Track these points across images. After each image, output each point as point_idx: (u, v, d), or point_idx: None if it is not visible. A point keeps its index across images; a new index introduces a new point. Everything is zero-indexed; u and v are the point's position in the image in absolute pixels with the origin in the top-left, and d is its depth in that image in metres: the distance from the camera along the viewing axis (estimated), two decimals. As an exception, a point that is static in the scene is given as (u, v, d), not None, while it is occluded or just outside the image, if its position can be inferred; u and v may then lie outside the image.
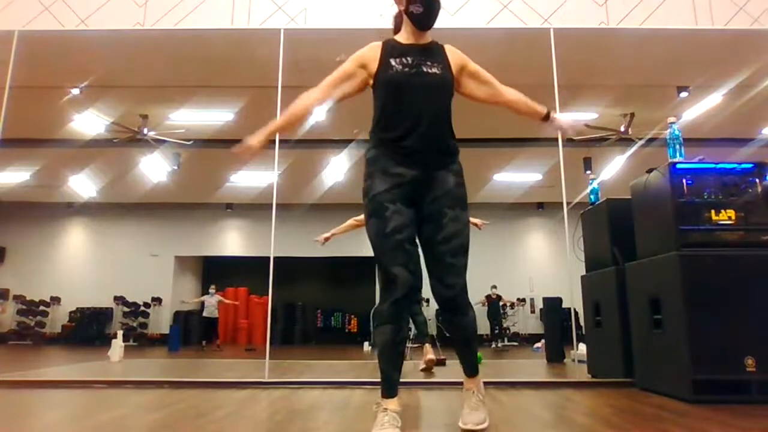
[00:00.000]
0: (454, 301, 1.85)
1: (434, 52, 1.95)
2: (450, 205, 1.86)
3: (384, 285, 1.82)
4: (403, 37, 1.97)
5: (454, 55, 1.98)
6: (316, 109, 1.99)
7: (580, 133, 2.00)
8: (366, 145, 2.00)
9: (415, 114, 1.84)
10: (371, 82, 1.93)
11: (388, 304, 1.79)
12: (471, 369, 1.99)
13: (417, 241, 1.89)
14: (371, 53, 1.93)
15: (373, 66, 1.91)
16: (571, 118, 2.03)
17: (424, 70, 1.88)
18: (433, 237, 1.85)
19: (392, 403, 1.80)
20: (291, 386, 3.21)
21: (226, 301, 10.48)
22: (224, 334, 11.50)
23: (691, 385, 2.44)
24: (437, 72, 1.89)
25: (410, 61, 1.88)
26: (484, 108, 2.16)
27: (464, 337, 1.95)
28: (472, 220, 3.74)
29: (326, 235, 4.44)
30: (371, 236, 1.86)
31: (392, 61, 1.89)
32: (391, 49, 1.93)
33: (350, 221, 4.22)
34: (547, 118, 2.05)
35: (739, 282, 2.54)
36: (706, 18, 4.06)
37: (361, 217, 3.79)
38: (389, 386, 1.82)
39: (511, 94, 2.05)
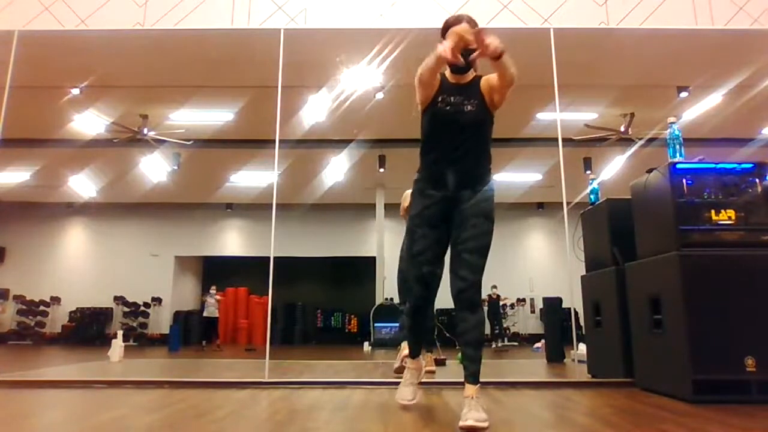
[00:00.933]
0: (465, 293, 2.08)
1: (473, 90, 2.19)
2: (475, 214, 2.13)
3: (405, 290, 2.65)
4: (450, 75, 2.23)
5: (484, 85, 2.19)
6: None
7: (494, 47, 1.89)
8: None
9: (451, 146, 2.16)
10: (423, 107, 2.21)
11: (410, 305, 2.34)
12: (474, 377, 2.07)
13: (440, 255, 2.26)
14: (437, 78, 2.20)
15: (433, 91, 2.18)
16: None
17: (463, 109, 2.15)
18: (456, 238, 2.15)
19: (414, 363, 2.47)
20: (291, 386, 3.21)
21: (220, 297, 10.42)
22: (224, 334, 11.51)
23: (691, 385, 2.44)
24: (472, 110, 2.15)
25: (452, 101, 2.16)
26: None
27: (472, 337, 2.09)
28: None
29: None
30: (404, 248, 2.60)
31: (439, 98, 2.17)
32: (442, 84, 2.20)
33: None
34: (499, 57, 2.00)
35: (739, 282, 2.54)
36: (706, 18, 4.06)
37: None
38: (412, 351, 2.48)
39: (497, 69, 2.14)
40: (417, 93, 2.19)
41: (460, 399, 2.01)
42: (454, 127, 2.13)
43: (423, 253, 2.18)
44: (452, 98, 2.15)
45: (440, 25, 2.18)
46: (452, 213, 2.18)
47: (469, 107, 2.14)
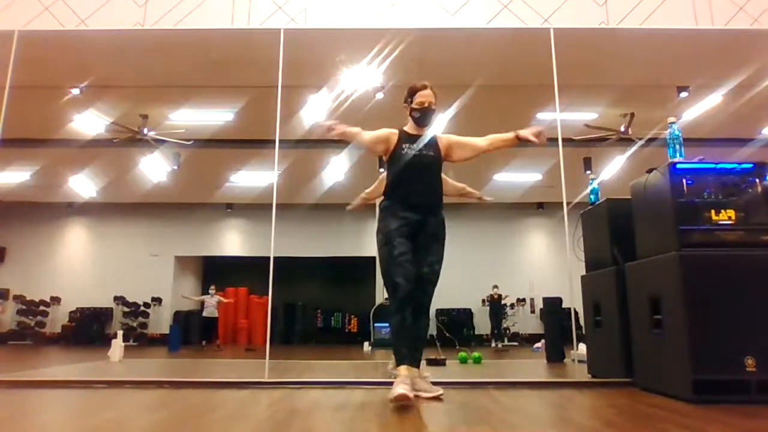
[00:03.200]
0: (426, 304, 2.77)
1: (430, 141, 2.86)
2: (435, 241, 2.79)
3: (392, 290, 2.66)
4: (410, 129, 2.89)
5: (441, 141, 2.90)
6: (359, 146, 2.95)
7: (542, 140, 2.79)
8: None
9: (416, 181, 2.78)
10: (387, 156, 2.85)
11: (396, 302, 2.63)
12: (417, 362, 2.74)
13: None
14: (393, 136, 2.84)
15: (392, 145, 2.83)
16: (533, 128, 2.83)
17: (423, 152, 2.81)
18: (422, 261, 2.75)
19: (404, 369, 2.57)
20: (291, 386, 3.21)
21: (225, 300, 10.47)
22: (224, 334, 11.51)
23: (691, 385, 2.44)
24: (432, 154, 2.84)
25: (415, 147, 2.81)
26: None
27: (424, 335, 2.78)
28: (477, 193, 3.81)
29: (360, 199, 3.97)
30: (383, 258, 2.72)
31: (404, 146, 2.81)
32: (403, 137, 2.84)
33: (360, 198, 3.84)
34: (517, 138, 2.84)
35: (739, 282, 2.54)
36: (706, 18, 4.06)
37: (368, 190, 3.78)
38: (400, 357, 2.60)
39: (485, 141, 2.90)
40: (376, 147, 2.86)
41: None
42: (419, 168, 2.77)
43: (405, 253, 2.66)
44: (413, 146, 2.80)
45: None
46: (418, 235, 2.75)
47: (429, 153, 2.82)
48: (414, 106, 2.81)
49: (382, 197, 2.86)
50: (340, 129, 2.65)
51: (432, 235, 2.77)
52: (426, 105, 2.80)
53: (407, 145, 2.80)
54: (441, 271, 2.80)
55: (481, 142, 2.90)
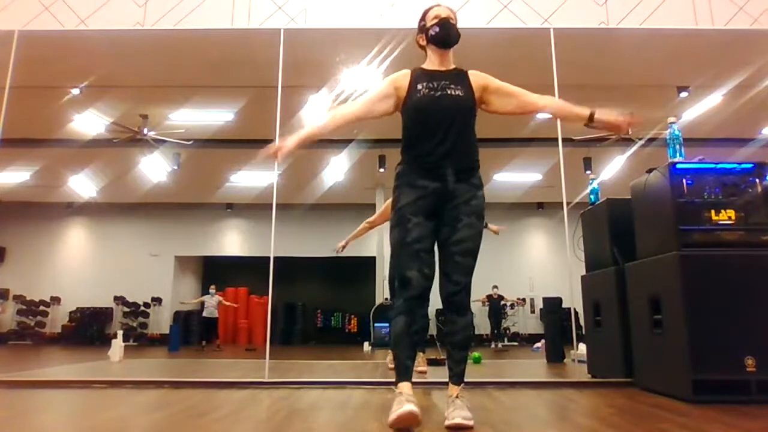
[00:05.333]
0: (456, 297, 2.04)
1: (458, 76, 2.13)
2: (467, 212, 2.04)
3: (400, 285, 2.02)
4: (429, 65, 2.17)
5: (476, 78, 2.15)
6: (353, 123, 2.20)
7: (634, 127, 2.16)
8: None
9: (439, 133, 2.03)
10: (400, 105, 2.13)
11: (402, 300, 2.01)
12: (459, 377, 2.07)
13: (435, 248, 2.08)
14: (402, 78, 2.13)
15: (403, 91, 2.11)
16: (612, 114, 2.10)
17: (449, 92, 2.06)
18: (447, 239, 2.04)
19: (406, 387, 1.96)
20: (291, 386, 3.21)
21: (226, 303, 10.47)
22: (224, 334, 11.50)
23: (691, 385, 2.44)
24: (460, 94, 2.07)
25: (435, 85, 2.07)
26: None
27: (459, 339, 2.08)
28: (492, 226, 3.81)
29: (342, 243, 4.48)
30: (393, 243, 2.07)
31: (419, 86, 2.08)
32: (418, 75, 2.13)
33: (363, 225, 4.27)
34: (591, 119, 2.11)
35: (739, 282, 2.54)
36: (706, 18, 4.06)
37: (373, 218, 3.98)
38: (403, 370, 1.99)
39: (545, 100, 2.17)
40: (377, 109, 2.15)
41: (445, 398, 2.02)
42: (442, 113, 2.03)
43: (420, 240, 2.00)
44: (434, 83, 2.07)
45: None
46: (443, 208, 2.05)
47: (456, 92, 2.07)
48: (430, 22, 2.13)
49: (399, 161, 2.17)
50: (290, 144, 2.05)
51: (463, 204, 2.03)
52: (445, 17, 2.12)
53: (425, 83, 2.08)
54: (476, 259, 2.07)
55: (536, 98, 2.14)
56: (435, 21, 2.12)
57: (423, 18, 2.19)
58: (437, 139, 2.02)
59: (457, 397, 1.99)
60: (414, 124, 2.08)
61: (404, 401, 1.87)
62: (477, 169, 2.11)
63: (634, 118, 2.12)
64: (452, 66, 2.17)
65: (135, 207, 12.00)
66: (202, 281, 13.75)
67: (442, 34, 2.11)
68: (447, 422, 1.92)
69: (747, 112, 6.04)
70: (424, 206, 2.03)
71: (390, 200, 2.22)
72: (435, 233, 2.06)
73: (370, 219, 4.08)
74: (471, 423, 1.89)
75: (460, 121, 2.05)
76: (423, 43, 2.19)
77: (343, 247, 4.48)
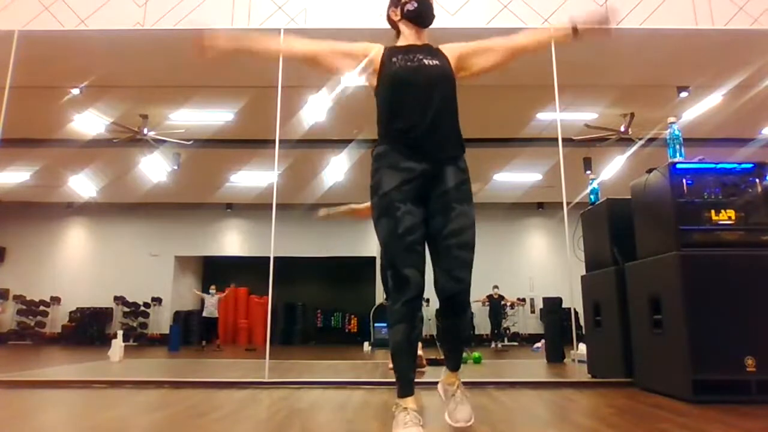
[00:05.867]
0: (458, 297, 1.84)
1: (431, 50, 2.00)
2: (458, 199, 1.85)
3: (395, 286, 1.80)
4: (402, 41, 2.04)
5: (448, 49, 2.02)
6: (298, 61, 2.00)
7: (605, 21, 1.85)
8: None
9: (420, 105, 1.85)
10: (374, 81, 1.97)
11: (401, 304, 1.78)
12: (456, 363, 2.01)
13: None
14: (377, 51, 1.98)
15: (377, 62, 1.95)
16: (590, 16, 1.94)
17: (425, 62, 1.92)
18: (441, 230, 1.83)
19: (411, 402, 1.78)
20: (291, 386, 3.21)
21: (223, 293, 10.43)
22: (224, 334, 11.50)
23: (691, 385, 2.44)
24: (437, 63, 1.93)
25: (411, 57, 1.93)
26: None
27: (462, 336, 1.98)
28: None
29: (327, 211, 3.98)
30: (382, 236, 1.84)
31: (393, 59, 1.93)
32: (391, 50, 1.99)
33: (348, 206, 3.83)
34: (576, 31, 1.96)
35: (739, 282, 2.54)
36: (706, 18, 4.06)
37: (361, 206, 3.61)
38: (406, 384, 1.81)
39: (522, 37, 2.01)
40: (336, 63, 1.99)
41: (442, 393, 2.01)
42: (421, 80, 1.87)
43: (413, 231, 1.78)
44: (410, 56, 1.93)
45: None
46: (430, 194, 1.85)
47: (433, 61, 1.93)
48: None
49: (376, 143, 1.98)
50: (222, 44, 1.94)
51: (453, 190, 1.85)
52: None
53: (401, 56, 1.94)
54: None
55: (512, 39, 2.00)
56: None
57: None
58: (419, 110, 1.84)
59: (457, 388, 1.93)
60: (393, 95, 1.90)
61: (410, 422, 1.70)
62: (462, 147, 1.94)
63: (604, 14, 1.94)
64: (425, 42, 2.04)
65: (135, 207, 12.00)
66: (202, 281, 13.75)
67: (420, 9, 1.98)
68: (449, 420, 1.89)
69: (747, 112, 6.04)
70: (411, 191, 1.82)
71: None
72: (424, 223, 1.85)
73: (357, 206, 3.50)
74: (472, 421, 1.86)
75: (440, 89, 1.88)
76: (396, 18, 2.04)
77: (326, 216, 3.95)
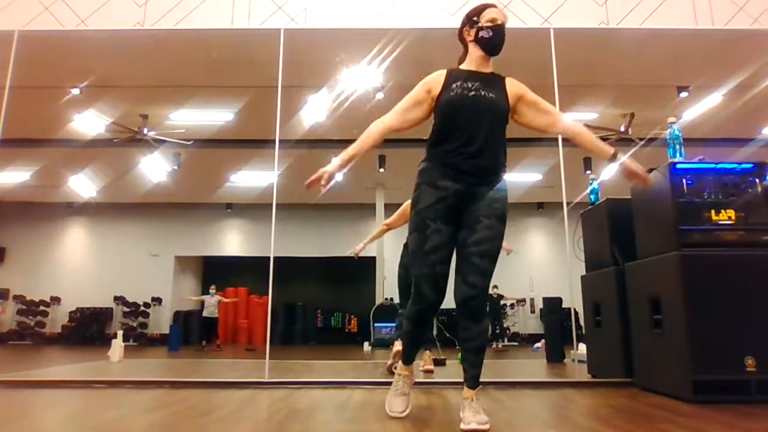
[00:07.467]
0: (473, 301, 1.96)
1: (494, 81, 2.10)
2: (487, 215, 1.99)
3: (413, 295, 2.07)
4: (467, 65, 2.14)
5: (512, 86, 2.12)
6: (388, 134, 2.15)
7: (644, 184, 2.24)
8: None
9: (468, 133, 1.99)
10: (433, 104, 2.09)
11: (414, 310, 2.09)
12: (474, 380, 2.04)
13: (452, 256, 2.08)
14: (437, 79, 2.10)
15: (437, 90, 2.07)
16: (637, 166, 2.14)
17: (482, 93, 2.03)
18: (465, 240, 1.99)
19: (406, 370, 2.24)
20: (291, 386, 3.21)
21: (226, 300, 10.47)
22: (224, 334, 11.50)
23: (691, 385, 2.44)
24: (493, 97, 2.04)
25: (470, 86, 2.04)
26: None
27: (476, 345, 2.03)
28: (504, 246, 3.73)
29: (360, 246, 4.49)
30: (411, 248, 2.06)
31: (453, 85, 2.05)
32: (455, 74, 2.10)
33: (381, 227, 4.22)
34: (614, 158, 2.12)
35: (739, 282, 2.54)
36: (706, 18, 4.06)
37: (390, 220, 3.96)
38: (407, 358, 2.25)
39: (574, 126, 2.16)
40: (410, 118, 2.12)
41: (461, 399, 2.02)
42: (473, 111, 2.00)
43: (438, 250, 1.98)
44: (470, 84, 2.04)
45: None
46: (463, 210, 2.01)
47: (490, 95, 2.03)
48: (484, 24, 2.08)
49: (420, 165, 2.13)
50: (332, 169, 2.12)
51: (484, 206, 1.99)
52: (501, 23, 2.09)
53: (460, 82, 2.04)
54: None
55: (566, 121, 2.16)
56: (491, 24, 2.08)
57: (477, 14, 2.12)
58: (465, 138, 1.98)
59: (472, 400, 1.97)
60: (444, 120, 2.04)
61: (398, 390, 2.19)
62: (502, 171, 2.07)
63: (647, 176, 2.17)
64: (490, 70, 2.14)
65: (135, 207, 12.00)
66: (202, 281, 13.75)
67: (495, 40, 2.09)
68: (463, 426, 1.91)
69: (747, 112, 6.04)
70: (444, 210, 1.99)
71: (408, 202, 2.23)
72: (453, 240, 2.02)
73: (388, 221, 4.01)
74: (486, 428, 1.88)
75: (490, 123, 2.00)
76: (469, 39, 2.13)
77: (360, 250, 4.48)
